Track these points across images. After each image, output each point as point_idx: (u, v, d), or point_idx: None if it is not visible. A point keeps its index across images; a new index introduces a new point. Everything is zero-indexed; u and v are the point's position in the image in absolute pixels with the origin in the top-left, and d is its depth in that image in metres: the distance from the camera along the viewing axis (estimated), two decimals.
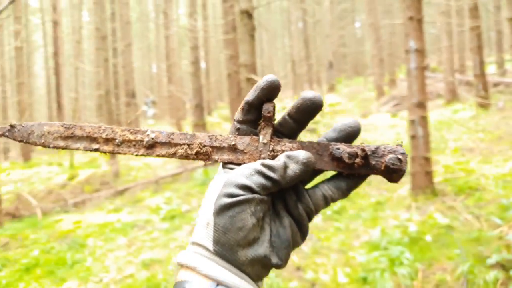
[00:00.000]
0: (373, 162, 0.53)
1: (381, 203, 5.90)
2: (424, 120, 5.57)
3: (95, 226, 6.24)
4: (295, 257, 4.47)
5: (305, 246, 4.72)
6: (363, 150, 0.53)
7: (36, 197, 8.36)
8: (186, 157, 0.58)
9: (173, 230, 5.71)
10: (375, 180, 6.91)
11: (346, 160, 0.53)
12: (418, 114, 5.57)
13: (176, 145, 0.58)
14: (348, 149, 0.53)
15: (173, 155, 0.58)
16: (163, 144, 0.59)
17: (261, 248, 0.50)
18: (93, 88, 24.10)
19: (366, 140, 9.40)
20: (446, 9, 12.70)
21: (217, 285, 0.47)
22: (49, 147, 0.60)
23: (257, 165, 0.51)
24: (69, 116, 21.10)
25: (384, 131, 10.13)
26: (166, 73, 17.48)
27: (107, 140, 0.59)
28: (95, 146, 0.59)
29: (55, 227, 6.66)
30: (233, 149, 0.57)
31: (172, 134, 0.59)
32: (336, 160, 0.54)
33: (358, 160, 0.53)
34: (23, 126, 0.60)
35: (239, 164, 0.56)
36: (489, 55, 22.35)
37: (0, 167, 13.10)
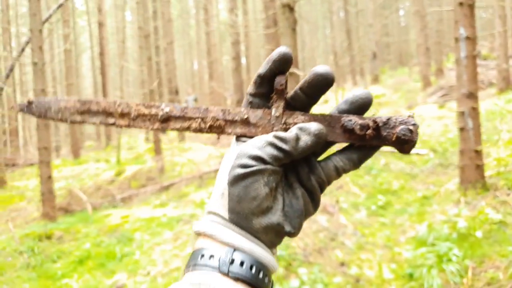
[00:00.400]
0: (385, 133, 0.53)
1: (428, 198, 5.71)
2: (474, 111, 5.31)
3: (142, 220, 6.45)
4: (339, 253, 4.43)
5: (349, 241, 4.67)
6: (374, 121, 0.53)
7: (86, 192, 8.76)
8: (200, 130, 0.59)
9: None
10: (421, 174, 6.70)
11: (358, 132, 0.53)
12: (468, 105, 5.32)
13: (190, 119, 0.59)
14: (360, 121, 0.53)
15: (187, 128, 0.59)
16: (177, 118, 0.60)
17: (275, 217, 0.51)
18: (137, 86, 24.91)
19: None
20: None
21: (234, 250, 0.48)
22: (66, 122, 0.62)
23: (269, 137, 0.52)
24: None
25: (431, 123, 9.77)
26: (208, 69, 17.72)
27: (123, 115, 0.61)
28: (111, 120, 0.61)
29: (105, 222, 6.96)
30: (245, 122, 0.57)
31: (186, 108, 0.60)
32: (348, 131, 0.54)
33: (369, 131, 0.53)
34: (40, 102, 0.62)
35: (252, 137, 0.56)
36: None
37: (53, 164, 13.83)
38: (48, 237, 6.40)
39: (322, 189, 0.56)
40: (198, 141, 13.45)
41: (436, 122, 9.68)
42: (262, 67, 0.56)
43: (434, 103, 12.26)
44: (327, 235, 4.79)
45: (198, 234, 0.53)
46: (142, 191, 8.72)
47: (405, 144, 0.53)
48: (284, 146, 0.51)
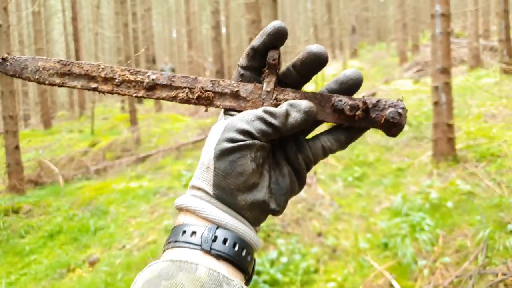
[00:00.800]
0: (373, 115, 0.53)
1: (402, 170, 5.88)
2: (447, 86, 5.45)
3: (117, 193, 6.31)
4: (316, 223, 4.55)
5: (327, 212, 4.79)
6: (364, 103, 0.53)
7: (58, 164, 8.48)
8: (187, 101, 0.57)
9: None
10: (397, 147, 6.87)
11: (348, 112, 0.53)
12: (441, 80, 5.45)
13: (177, 88, 0.57)
14: (350, 101, 0.53)
15: (173, 98, 0.57)
16: (163, 86, 0.57)
17: (260, 194, 0.51)
18: (113, 54, 24.12)
19: None
20: None
21: (217, 227, 0.47)
22: (44, 83, 0.58)
23: (259, 111, 0.51)
24: None
25: (406, 97, 9.94)
26: (187, 38, 17.31)
27: (106, 80, 0.58)
28: (94, 85, 0.58)
29: (78, 194, 6.77)
30: (235, 95, 0.56)
31: (173, 76, 0.58)
32: (338, 111, 0.54)
33: (359, 112, 0.53)
34: (16, 60, 0.58)
35: (241, 111, 0.55)
36: None
37: (21, 134, 13.36)
38: (15, 211, 6.12)
39: (308, 168, 0.56)
40: (176, 111, 13.27)
41: (412, 97, 9.87)
42: (256, 40, 0.54)
43: (410, 78, 12.47)
44: (305, 206, 4.90)
45: (180, 209, 0.51)
46: (117, 162, 8.57)
47: (393, 127, 0.53)
48: (273, 121, 0.50)
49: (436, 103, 5.51)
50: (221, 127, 0.51)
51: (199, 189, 0.50)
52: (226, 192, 0.49)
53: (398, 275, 3.41)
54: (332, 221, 4.62)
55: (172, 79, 0.57)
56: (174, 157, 8.23)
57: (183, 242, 0.46)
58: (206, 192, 0.50)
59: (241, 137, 0.49)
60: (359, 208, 4.94)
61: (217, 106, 0.56)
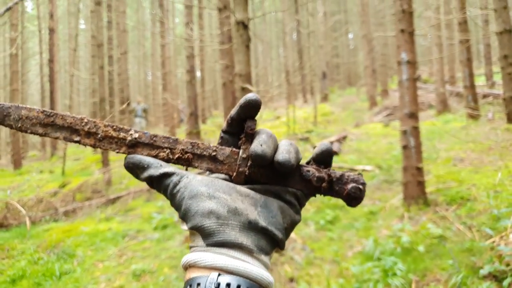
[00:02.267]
0: (337, 188, 0.58)
1: (374, 213, 5.91)
2: (415, 130, 5.62)
3: (85, 235, 6.11)
4: (288, 268, 4.45)
5: (298, 257, 4.71)
6: (329, 176, 0.58)
7: (26, 205, 8.20)
8: (167, 160, 0.59)
9: (164, 240, 5.66)
10: (368, 190, 6.93)
11: (314, 183, 0.57)
12: (410, 124, 5.62)
13: (158, 147, 0.59)
14: (317, 174, 0.57)
15: (154, 156, 0.59)
16: (145, 145, 0.59)
17: (251, 216, 0.52)
18: (88, 96, 23.99)
19: (360, 148, 9.44)
20: (436, 23, 12.90)
21: (219, 274, 0.47)
22: (26, 132, 0.57)
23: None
24: None
25: (376, 140, 10.19)
26: (162, 81, 17.45)
27: (89, 134, 0.59)
28: (76, 138, 0.59)
29: (44, 237, 6.53)
30: (213, 158, 0.59)
31: (155, 136, 0.60)
32: (305, 181, 0.58)
33: (324, 184, 0.57)
34: None
35: (217, 173, 0.60)
36: (478, 67, 22.66)
37: None
38: None
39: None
40: None
41: (382, 140, 10.12)
42: (233, 111, 0.59)
43: (379, 122, 12.83)
44: (277, 250, 4.80)
45: (185, 268, 0.52)
46: (87, 204, 8.32)
47: (354, 200, 0.58)
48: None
49: (405, 147, 5.65)
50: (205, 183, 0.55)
51: (195, 246, 0.52)
52: (214, 234, 0.50)
53: None
54: (304, 265, 4.53)
55: (153, 139, 0.59)
56: (145, 199, 8.05)
57: None
58: (201, 245, 0.51)
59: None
60: (331, 252, 4.88)
61: (196, 167, 0.59)
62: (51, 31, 16.34)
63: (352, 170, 7.98)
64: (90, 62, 17.20)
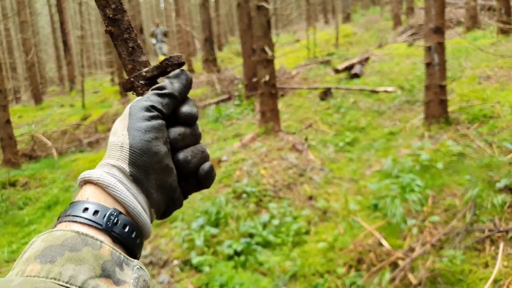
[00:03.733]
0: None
1: (394, 134, 5.86)
2: (440, 46, 5.35)
3: None
4: (307, 187, 4.55)
5: (317, 177, 4.79)
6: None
7: (51, 138, 8.49)
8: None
9: None
10: (389, 111, 6.83)
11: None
12: (434, 40, 5.34)
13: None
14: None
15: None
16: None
17: (170, 179, 0.53)
18: (100, 25, 23.56)
19: (383, 70, 9.15)
20: None
21: (120, 213, 0.47)
22: None
23: (149, 92, 0.56)
24: (77, 56, 20.86)
25: (399, 61, 9.82)
26: (174, 7, 16.88)
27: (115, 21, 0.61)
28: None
29: (72, 167, 6.83)
30: (130, 53, 0.60)
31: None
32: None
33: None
34: None
35: (125, 69, 0.61)
36: None
37: (12, 110, 13.23)
38: (12, 184, 6.23)
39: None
40: None
41: (405, 60, 9.75)
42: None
43: (403, 42, 12.27)
44: (296, 171, 4.89)
45: (89, 181, 0.49)
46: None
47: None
48: (164, 91, 0.55)
49: (428, 64, 5.43)
50: (126, 113, 0.53)
51: (113, 166, 0.50)
52: (141, 170, 0.50)
53: (388, 234, 3.44)
54: (323, 185, 4.63)
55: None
56: None
57: (85, 218, 0.45)
58: (121, 170, 0.50)
59: (148, 113, 0.52)
60: (350, 172, 4.94)
61: (117, 50, 0.60)
62: None
63: (373, 92, 7.81)
64: None
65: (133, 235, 0.48)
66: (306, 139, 5.70)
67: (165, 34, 13.29)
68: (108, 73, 19.95)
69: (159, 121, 0.52)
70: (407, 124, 5.93)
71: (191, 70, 13.10)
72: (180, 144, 0.55)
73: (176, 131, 0.55)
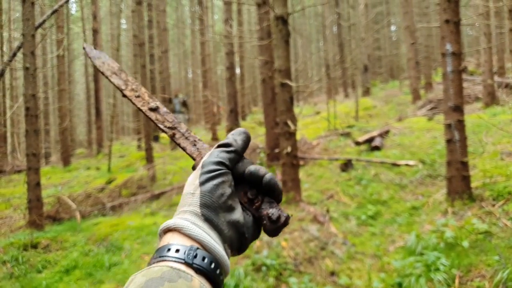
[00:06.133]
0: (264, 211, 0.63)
1: (416, 208, 5.80)
2: (460, 124, 5.45)
3: (132, 229, 6.36)
4: (329, 262, 4.47)
5: (339, 251, 4.72)
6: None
7: (76, 200, 8.63)
8: (168, 128, 0.73)
9: None
10: (411, 185, 6.80)
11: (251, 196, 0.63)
12: (454, 118, 5.46)
13: (165, 120, 0.74)
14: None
15: (160, 122, 0.73)
16: (159, 113, 0.74)
17: (236, 215, 0.59)
18: None
19: (403, 143, 9.23)
20: (485, 11, 12.30)
21: (197, 248, 0.53)
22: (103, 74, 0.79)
23: (216, 149, 0.64)
24: (107, 121, 21.84)
25: (420, 135, 9.92)
26: (202, 79, 17.81)
27: (132, 90, 0.77)
28: (123, 86, 0.77)
29: (94, 230, 6.86)
30: (193, 143, 0.72)
31: (168, 113, 0.75)
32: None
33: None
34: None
35: (192, 157, 0.70)
36: None
37: (42, 171, 13.63)
38: (34, 246, 6.22)
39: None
40: None
41: (425, 134, 9.83)
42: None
43: (423, 116, 12.45)
44: (318, 244, 4.84)
45: (168, 229, 0.56)
46: (133, 199, 8.66)
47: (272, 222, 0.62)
48: (230, 148, 0.63)
49: (449, 141, 5.50)
50: (199, 167, 0.62)
51: (186, 212, 0.57)
52: (210, 209, 0.57)
53: None
54: (345, 260, 4.54)
55: (165, 115, 0.75)
56: None
57: (171, 256, 0.52)
58: (193, 213, 0.57)
59: (217, 167, 0.60)
60: (373, 247, 4.85)
61: (178, 144, 0.72)
62: (95, 31, 17.04)
63: (394, 165, 7.84)
64: (132, 61, 17.76)
65: (213, 266, 0.53)
66: (327, 211, 5.69)
67: (183, 104, 13.43)
68: (135, 139, 20.65)
69: (224, 170, 0.60)
70: (430, 199, 5.87)
71: (216, 139, 13.50)
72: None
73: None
